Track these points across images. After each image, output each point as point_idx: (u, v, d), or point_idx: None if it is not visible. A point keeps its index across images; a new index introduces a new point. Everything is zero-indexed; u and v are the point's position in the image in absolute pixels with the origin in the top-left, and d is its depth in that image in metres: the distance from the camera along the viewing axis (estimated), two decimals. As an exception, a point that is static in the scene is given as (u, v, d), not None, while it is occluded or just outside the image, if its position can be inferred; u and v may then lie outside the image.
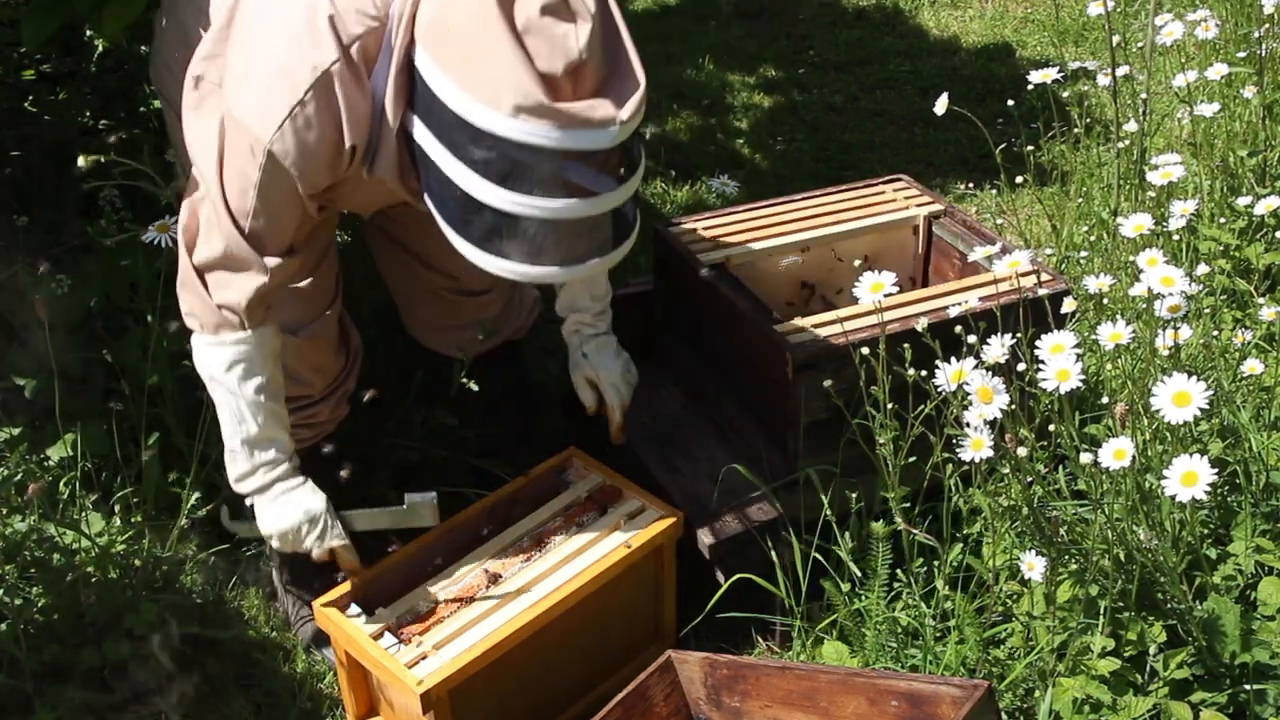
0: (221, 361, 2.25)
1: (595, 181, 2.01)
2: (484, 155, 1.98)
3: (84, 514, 2.71)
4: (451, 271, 2.70)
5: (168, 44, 2.47)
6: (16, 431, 2.76)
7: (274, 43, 2.10)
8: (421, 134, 2.07)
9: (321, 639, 2.67)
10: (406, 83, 2.09)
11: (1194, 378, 1.96)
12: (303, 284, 2.47)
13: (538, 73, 1.94)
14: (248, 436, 2.29)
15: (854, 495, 2.42)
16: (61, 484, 2.76)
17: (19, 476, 2.61)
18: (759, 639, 2.62)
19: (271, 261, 2.20)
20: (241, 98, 2.12)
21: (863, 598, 2.43)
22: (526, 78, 1.93)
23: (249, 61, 2.13)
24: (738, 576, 2.45)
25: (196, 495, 2.71)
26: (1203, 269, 2.68)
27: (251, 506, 2.36)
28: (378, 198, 2.40)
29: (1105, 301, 2.67)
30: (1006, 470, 2.18)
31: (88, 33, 3.22)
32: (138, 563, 2.69)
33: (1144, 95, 3.33)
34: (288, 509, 2.31)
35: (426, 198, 2.14)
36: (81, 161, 2.33)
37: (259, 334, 2.26)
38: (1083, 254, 3.33)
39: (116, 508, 2.75)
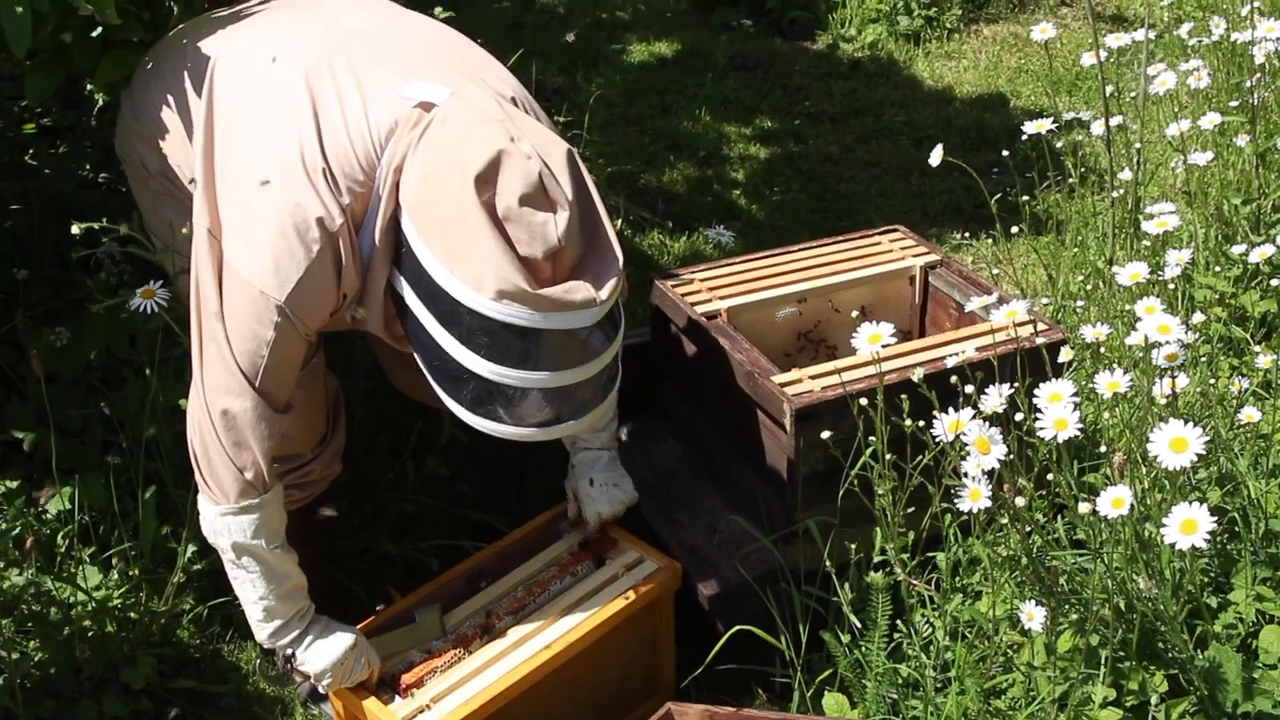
0: (246, 529, 2.23)
1: (574, 354, 2.07)
2: (469, 328, 2.04)
3: (81, 568, 2.70)
4: None
5: (127, 120, 2.50)
6: (14, 484, 2.76)
7: (276, 198, 2.12)
8: (409, 295, 2.12)
9: (319, 694, 2.65)
10: (392, 243, 2.14)
11: (1191, 424, 1.96)
12: None
13: (518, 258, 2.00)
14: (282, 592, 2.29)
15: (853, 546, 2.41)
16: (59, 538, 2.75)
17: (16, 530, 2.60)
18: (758, 690, 2.61)
19: (282, 417, 2.23)
20: (248, 256, 2.14)
21: (863, 649, 2.42)
22: (507, 264, 1.99)
23: (249, 218, 2.14)
24: (737, 628, 2.44)
25: (193, 549, 2.70)
26: (1199, 317, 2.69)
27: (286, 656, 2.35)
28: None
29: (1102, 350, 2.67)
30: (1005, 520, 2.18)
31: (88, 87, 3.24)
32: (134, 616, 2.68)
33: (1138, 144, 3.35)
34: (331, 647, 2.31)
35: (412, 347, 2.18)
36: (75, 229, 2.35)
37: (276, 490, 2.27)
38: (1079, 303, 3.34)
39: (113, 561, 2.74)
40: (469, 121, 2.07)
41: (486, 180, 2.01)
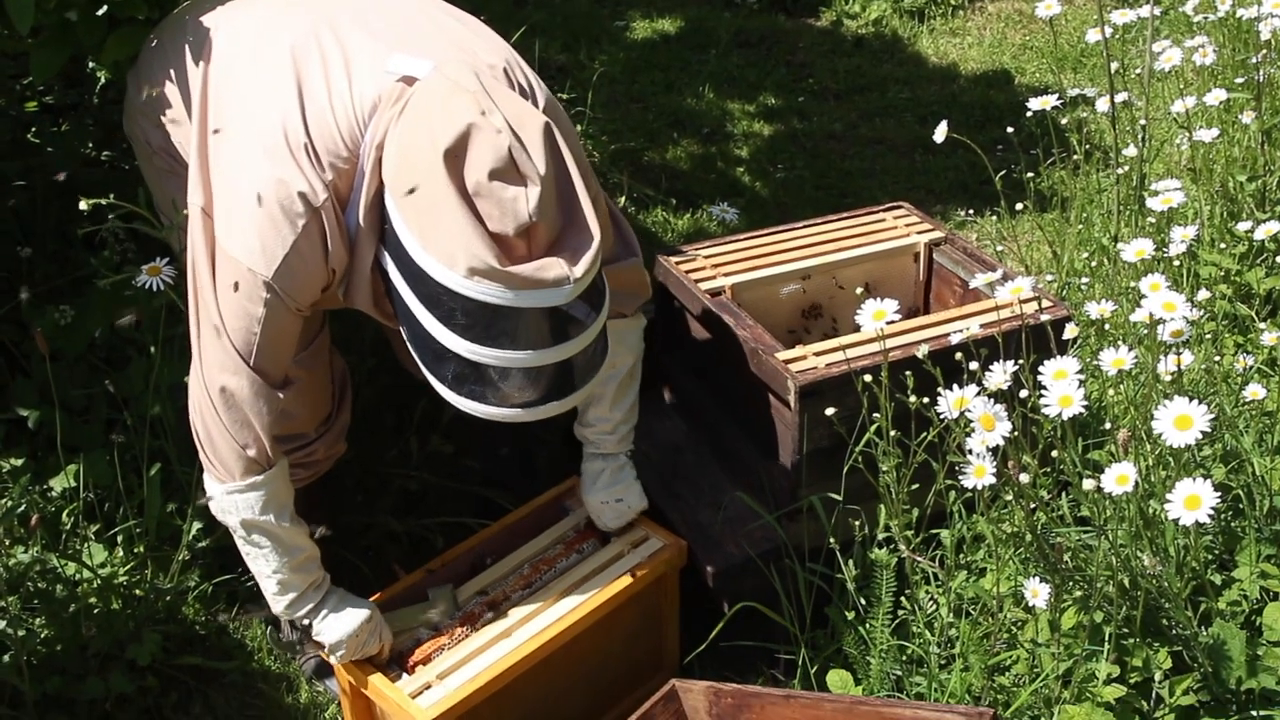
0: (254, 505, 2.23)
1: (553, 333, 2.04)
2: (446, 306, 2.02)
3: (86, 545, 2.71)
4: None
5: (133, 99, 2.50)
6: (19, 462, 2.76)
7: (261, 175, 2.12)
8: (393, 272, 2.11)
9: (324, 670, 2.66)
10: (377, 219, 2.13)
11: (1196, 402, 1.96)
12: None
13: (489, 234, 1.98)
14: (295, 564, 2.29)
15: (857, 523, 2.42)
16: (64, 515, 2.76)
17: (22, 507, 2.61)
18: (763, 667, 2.61)
19: (280, 393, 2.23)
20: (235, 234, 2.14)
21: (867, 625, 2.42)
22: (477, 240, 1.97)
23: (236, 196, 2.14)
24: (741, 605, 2.45)
25: (198, 526, 2.71)
26: (1203, 294, 2.69)
27: (302, 625, 2.36)
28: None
29: (1107, 327, 2.67)
30: (1010, 497, 2.18)
31: (90, 65, 3.24)
32: (140, 593, 2.69)
33: (1143, 121, 3.34)
34: (345, 620, 2.31)
35: (400, 326, 2.17)
36: (84, 205, 2.34)
37: (280, 465, 2.27)
38: (1084, 280, 3.33)
39: (119, 539, 2.74)
40: (442, 96, 2.06)
41: (456, 155, 1.99)
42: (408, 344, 2.16)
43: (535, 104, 2.23)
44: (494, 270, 1.96)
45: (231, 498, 2.23)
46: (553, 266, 2.01)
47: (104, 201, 2.36)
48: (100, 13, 2.51)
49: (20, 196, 3.16)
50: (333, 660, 2.35)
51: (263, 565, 2.28)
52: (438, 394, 2.13)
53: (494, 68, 2.21)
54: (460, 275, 1.97)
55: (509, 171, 1.98)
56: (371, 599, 2.40)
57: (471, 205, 1.99)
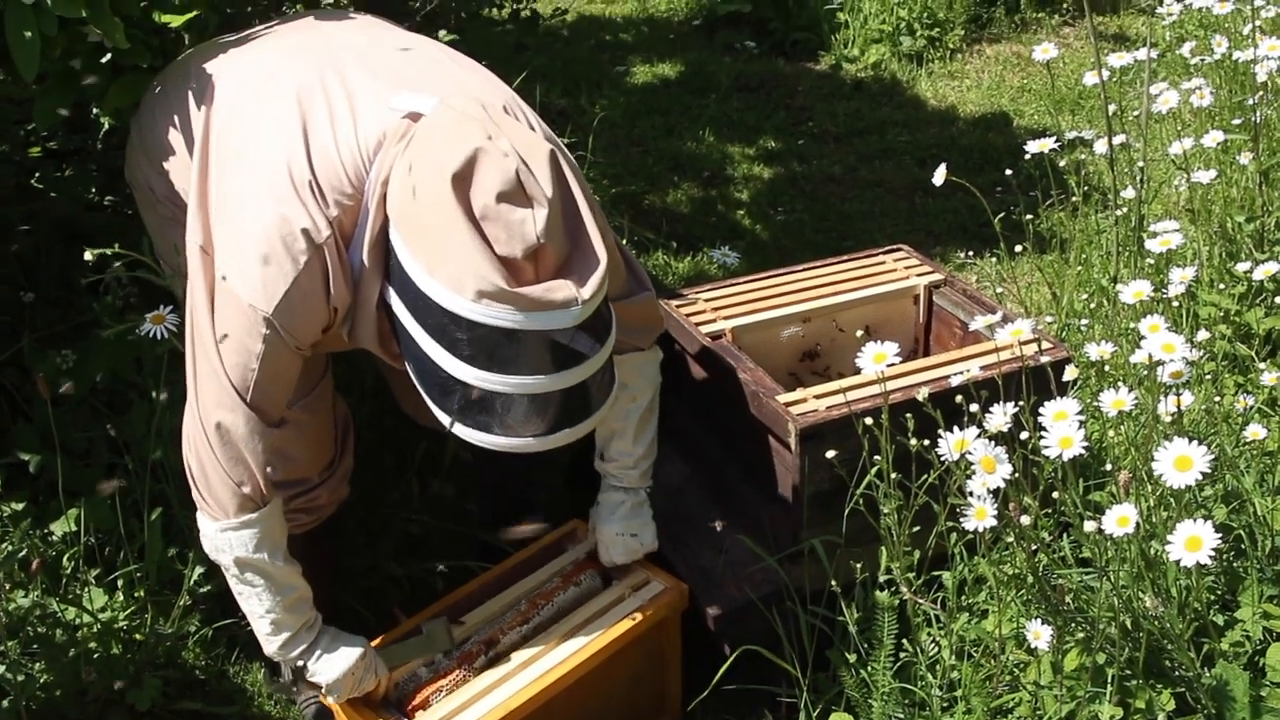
0: (248, 543, 2.23)
1: (562, 358, 2.04)
2: (453, 334, 2.02)
3: (87, 589, 2.70)
4: None
5: (135, 146, 2.52)
6: (20, 506, 2.76)
7: (264, 211, 2.12)
8: (397, 306, 2.11)
9: (325, 715, 2.65)
10: (382, 256, 2.14)
11: (1196, 443, 1.96)
12: None
13: (497, 258, 1.98)
14: (288, 604, 2.28)
15: (858, 565, 2.41)
16: (64, 559, 2.76)
17: (22, 552, 2.60)
18: (765, 711, 2.60)
19: (275, 431, 2.23)
20: (235, 269, 2.14)
21: (869, 668, 2.41)
22: (486, 263, 1.97)
23: (238, 232, 2.15)
24: (743, 648, 2.44)
25: (199, 571, 2.70)
26: (1203, 335, 2.69)
27: (297, 666, 2.35)
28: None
29: (1106, 369, 2.67)
30: (1011, 539, 2.18)
31: (94, 110, 3.26)
32: (140, 638, 2.68)
33: (1141, 163, 3.35)
34: (339, 659, 2.30)
35: (407, 363, 2.17)
36: (89, 255, 2.35)
37: (274, 503, 2.27)
38: (1083, 321, 3.34)
39: (119, 583, 2.74)
40: (449, 124, 2.07)
41: (463, 179, 1.99)
42: (415, 381, 2.15)
43: None
44: (503, 292, 1.96)
45: (225, 535, 2.23)
46: (561, 288, 2.01)
47: (109, 251, 2.37)
48: (104, 60, 2.53)
49: (24, 241, 3.17)
50: (330, 701, 2.34)
51: (255, 605, 2.27)
52: (438, 436, 2.13)
53: (495, 105, 2.23)
54: (468, 299, 1.97)
55: (516, 194, 1.99)
56: (374, 643, 2.39)
57: (479, 229, 1.99)
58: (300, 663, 2.32)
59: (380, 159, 2.13)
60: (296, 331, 2.15)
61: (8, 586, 2.57)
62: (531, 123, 2.29)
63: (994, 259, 4.11)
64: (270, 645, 2.31)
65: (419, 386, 2.15)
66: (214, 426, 2.17)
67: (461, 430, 2.11)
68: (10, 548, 2.56)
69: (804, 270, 3.08)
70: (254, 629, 2.32)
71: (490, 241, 1.98)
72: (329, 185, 2.13)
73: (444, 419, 2.12)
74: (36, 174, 3.30)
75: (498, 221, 1.98)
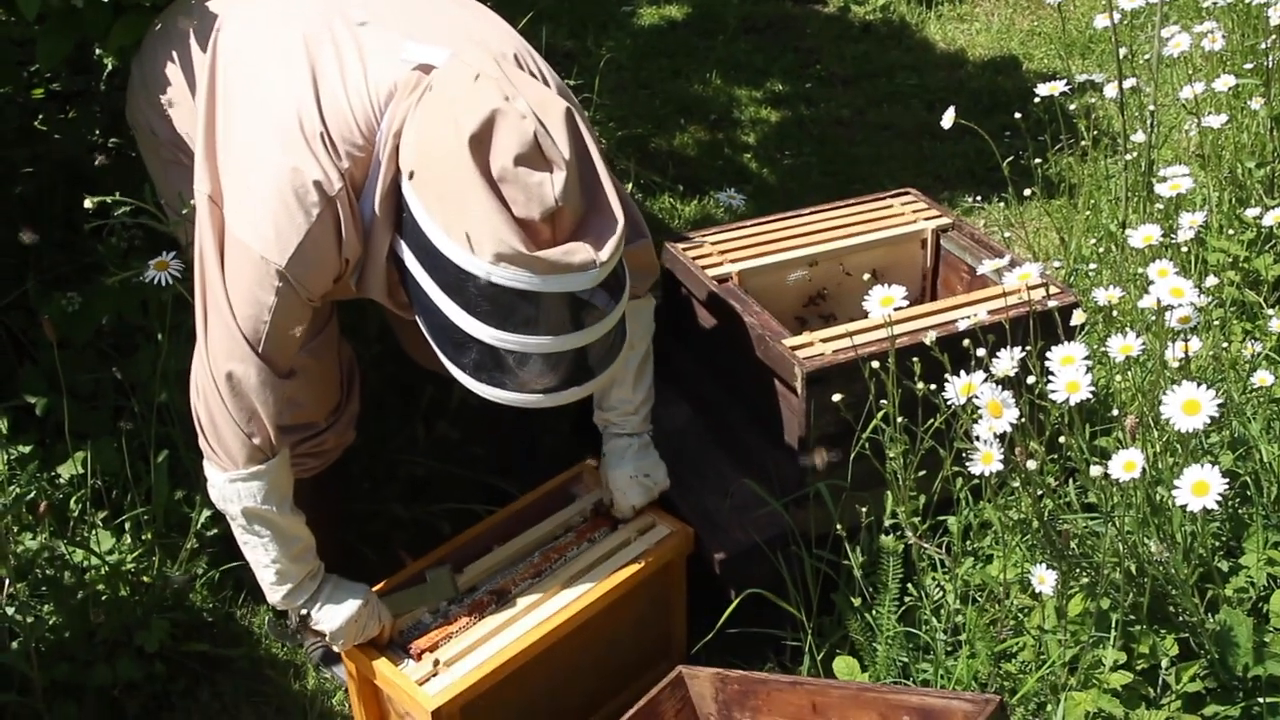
0: (256, 494, 2.23)
1: (578, 317, 2.05)
2: (469, 293, 2.02)
3: (94, 532, 2.71)
4: None
5: (136, 86, 2.50)
6: (27, 449, 2.77)
7: (275, 163, 2.11)
8: (410, 260, 2.11)
9: (331, 656, 2.67)
10: (393, 208, 2.13)
11: (1204, 387, 1.95)
12: None
13: (515, 220, 1.98)
14: (293, 554, 2.29)
15: (864, 509, 2.42)
16: (72, 502, 2.77)
17: (30, 494, 2.61)
18: (770, 654, 2.62)
19: (285, 382, 2.23)
20: (248, 221, 2.13)
21: (873, 612, 2.42)
22: (504, 226, 1.97)
23: (250, 184, 2.14)
24: (748, 592, 2.45)
25: (206, 513, 2.71)
26: (1211, 281, 2.68)
27: (300, 616, 2.36)
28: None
29: (1114, 314, 2.66)
30: (1017, 484, 2.18)
31: (97, 51, 3.24)
32: (148, 580, 2.69)
33: (1151, 107, 3.33)
34: (343, 608, 2.31)
35: (416, 314, 2.17)
36: (89, 203, 2.34)
37: (282, 454, 2.26)
38: (1091, 266, 3.33)
39: (126, 526, 2.75)
40: (464, 83, 2.05)
41: (481, 141, 1.98)
42: (425, 333, 2.15)
43: None
44: (520, 255, 1.96)
45: (234, 486, 2.23)
46: (578, 251, 2.01)
47: (109, 200, 2.36)
48: (106, -1, 2.51)
49: (27, 184, 3.16)
50: (335, 648, 2.36)
51: (261, 555, 2.28)
52: (444, 380, 2.13)
53: (506, 56, 2.21)
54: (486, 261, 1.97)
55: (534, 157, 1.98)
56: (376, 587, 2.40)
57: (497, 191, 1.98)
58: (304, 611, 2.33)
59: (392, 110, 2.11)
60: (309, 283, 2.14)
61: (15, 529, 2.57)
62: (545, 75, 2.28)
63: (1002, 203, 4.08)
64: (274, 595, 2.32)
65: (430, 339, 2.15)
66: (225, 377, 2.17)
67: (473, 384, 2.11)
68: (18, 490, 2.56)
69: (811, 214, 3.07)
70: (258, 578, 2.33)
71: (508, 204, 1.98)
72: (340, 136, 2.11)
73: (456, 373, 2.12)
74: (40, 116, 3.28)
75: (516, 184, 1.98)
